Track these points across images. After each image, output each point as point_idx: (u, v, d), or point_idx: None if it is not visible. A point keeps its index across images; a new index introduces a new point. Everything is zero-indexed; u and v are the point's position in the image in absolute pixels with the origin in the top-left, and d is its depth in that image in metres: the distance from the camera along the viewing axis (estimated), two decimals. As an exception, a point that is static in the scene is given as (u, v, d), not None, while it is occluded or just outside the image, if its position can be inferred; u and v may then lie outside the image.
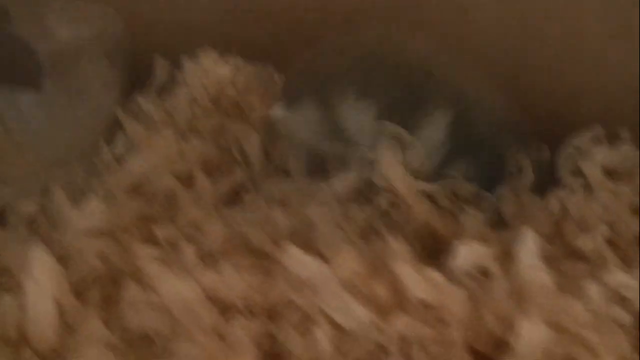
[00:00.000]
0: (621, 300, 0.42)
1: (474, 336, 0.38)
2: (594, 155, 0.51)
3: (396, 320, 0.37)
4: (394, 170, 0.47)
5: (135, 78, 0.61)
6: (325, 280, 0.38)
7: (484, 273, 0.40)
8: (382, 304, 0.38)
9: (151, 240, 0.47)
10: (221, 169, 0.56)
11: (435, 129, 0.49)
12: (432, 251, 0.45)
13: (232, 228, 0.47)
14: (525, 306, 0.38)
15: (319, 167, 0.49)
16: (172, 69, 0.61)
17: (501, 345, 0.38)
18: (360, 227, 0.47)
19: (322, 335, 0.39)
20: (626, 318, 0.41)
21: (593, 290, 0.39)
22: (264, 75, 0.60)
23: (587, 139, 0.53)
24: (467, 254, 0.39)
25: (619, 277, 0.40)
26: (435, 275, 0.39)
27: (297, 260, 0.39)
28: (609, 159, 0.51)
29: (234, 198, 0.54)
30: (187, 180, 0.54)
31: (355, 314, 0.38)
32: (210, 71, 0.59)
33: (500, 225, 0.48)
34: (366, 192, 0.50)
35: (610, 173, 0.52)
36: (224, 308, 0.42)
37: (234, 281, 0.42)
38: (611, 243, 0.46)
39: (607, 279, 0.40)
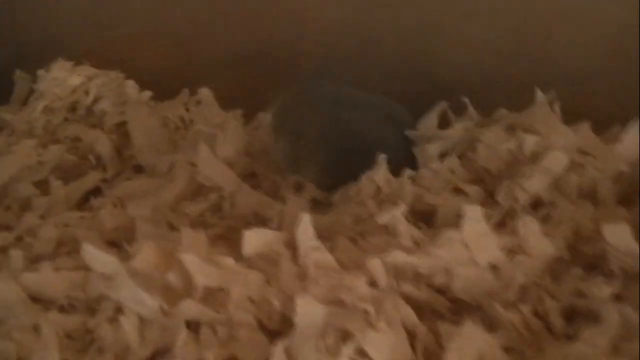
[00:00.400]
0: (413, 275, 0.45)
1: (262, 314, 0.41)
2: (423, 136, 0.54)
3: (183, 306, 0.40)
4: (214, 167, 0.51)
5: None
6: (122, 274, 0.41)
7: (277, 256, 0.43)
8: (172, 292, 0.41)
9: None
10: (77, 173, 0.59)
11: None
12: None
13: (66, 231, 0.50)
14: (306, 284, 0.41)
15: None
16: (33, 81, 0.64)
17: (286, 321, 0.41)
18: (191, 220, 0.51)
19: (128, 325, 0.42)
20: (415, 292, 0.44)
21: (376, 266, 0.43)
22: (115, 81, 0.62)
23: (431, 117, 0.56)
24: (255, 239, 0.43)
25: (401, 257, 0.43)
26: (227, 261, 0.42)
27: (95, 257, 0.42)
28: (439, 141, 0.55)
29: (86, 200, 0.57)
30: (43, 187, 0.57)
31: (148, 304, 0.41)
32: (63, 81, 0.62)
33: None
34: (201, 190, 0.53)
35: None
36: (45, 306, 0.45)
37: (55, 280, 0.45)
38: (416, 219, 0.49)
39: (394, 256, 0.44)
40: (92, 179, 0.58)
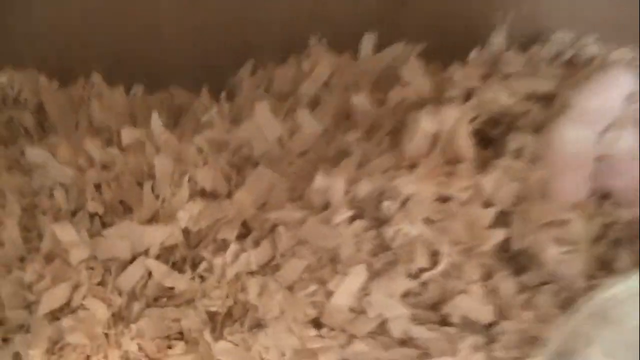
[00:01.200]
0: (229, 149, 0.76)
1: (136, 174, 0.72)
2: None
3: (89, 174, 0.71)
4: (104, 114, 0.82)
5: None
6: (51, 161, 0.72)
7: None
8: (82, 167, 0.72)
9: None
10: (11, 141, 0.89)
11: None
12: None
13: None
14: (160, 154, 0.73)
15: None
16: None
17: (151, 175, 0.72)
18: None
19: (58, 193, 0.72)
20: (228, 157, 0.75)
21: (198, 139, 0.74)
22: (31, 76, 0.92)
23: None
24: (129, 134, 0.74)
25: (213, 134, 0.75)
26: (113, 149, 0.73)
27: (33, 153, 0.73)
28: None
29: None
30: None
31: (69, 176, 0.72)
32: (-7, 81, 0.91)
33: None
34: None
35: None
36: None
37: (8, 181, 0.75)
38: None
39: (209, 133, 0.75)
40: (23, 142, 0.87)
